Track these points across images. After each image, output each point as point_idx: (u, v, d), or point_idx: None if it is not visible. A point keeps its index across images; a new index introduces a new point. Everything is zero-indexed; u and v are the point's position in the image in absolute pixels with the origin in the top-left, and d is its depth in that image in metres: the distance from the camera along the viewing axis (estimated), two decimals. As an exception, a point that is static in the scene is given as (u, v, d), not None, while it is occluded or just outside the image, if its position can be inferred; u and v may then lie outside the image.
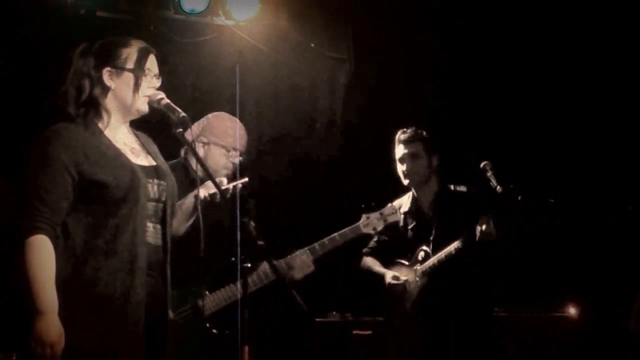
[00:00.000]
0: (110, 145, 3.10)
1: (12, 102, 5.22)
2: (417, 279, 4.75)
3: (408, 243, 4.85)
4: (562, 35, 5.99)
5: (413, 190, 4.89)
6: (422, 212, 4.83)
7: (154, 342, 3.11)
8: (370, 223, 4.34)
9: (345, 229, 4.32)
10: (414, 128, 4.87)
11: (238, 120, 4.31)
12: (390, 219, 4.39)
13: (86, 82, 3.13)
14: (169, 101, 3.20)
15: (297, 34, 6.04)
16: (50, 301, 2.89)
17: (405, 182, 4.83)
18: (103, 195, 2.99)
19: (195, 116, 4.17)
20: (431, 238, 4.75)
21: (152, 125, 3.38)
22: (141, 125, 3.33)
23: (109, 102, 3.16)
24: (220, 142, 4.21)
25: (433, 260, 4.68)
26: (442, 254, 4.64)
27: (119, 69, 3.14)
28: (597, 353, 5.34)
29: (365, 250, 5.05)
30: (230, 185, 3.32)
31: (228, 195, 3.30)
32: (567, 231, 5.73)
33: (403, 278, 4.78)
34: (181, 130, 3.21)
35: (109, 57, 3.15)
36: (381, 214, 4.37)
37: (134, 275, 3.02)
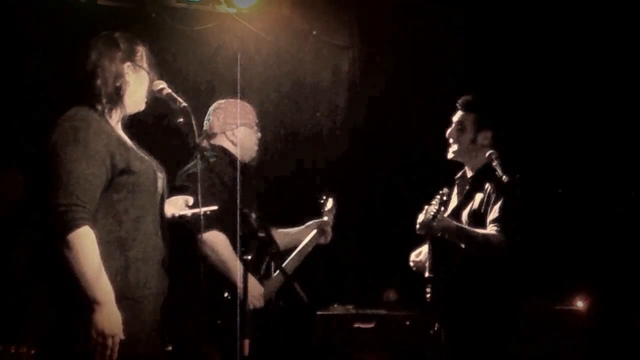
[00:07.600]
0: (123, 136, 3.12)
1: (13, 91, 5.21)
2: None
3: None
4: (568, 26, 5.95)
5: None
6: (465, 182, 4.39)
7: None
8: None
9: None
10: (474, 95, 4.38)
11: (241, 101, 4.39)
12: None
13: (111, 75, 3.10)
14: (170, 91, 3.20)
15: (300, 22, 6.02)
16: (106, 290, 2.87)
17: (449, 150, 4.36)
18: (129, 184, 3.00)
19: (197, 105, 4.09)
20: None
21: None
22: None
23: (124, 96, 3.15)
24: (248, 122, 4.35)
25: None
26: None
27: (138, 66, 3.16)
28: (604, 347, 5.32)
29: None
30: (202, 211, 3.30)
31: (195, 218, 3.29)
32: (574, 222, 5.68)
33: (421, 257, 4.37)
34: (182, 120, 3.19)
35: (129, 52, 3.15)
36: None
37: (153, 266, 3.05)
